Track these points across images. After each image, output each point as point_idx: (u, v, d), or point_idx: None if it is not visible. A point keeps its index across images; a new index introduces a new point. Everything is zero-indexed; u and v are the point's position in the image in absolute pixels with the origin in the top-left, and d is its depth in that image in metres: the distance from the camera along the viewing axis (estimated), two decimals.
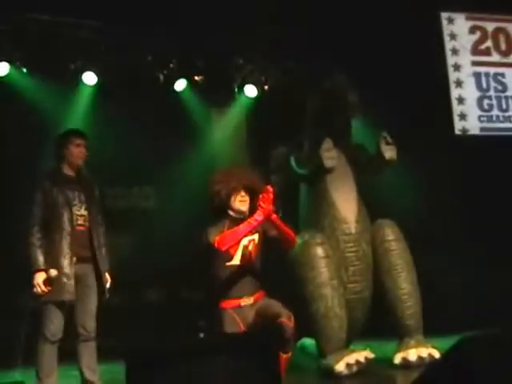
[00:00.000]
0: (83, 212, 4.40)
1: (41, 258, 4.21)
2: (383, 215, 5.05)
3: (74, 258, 4.32)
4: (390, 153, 4.73)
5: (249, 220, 4.29)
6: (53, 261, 4.26)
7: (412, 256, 4.94)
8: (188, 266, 6.66)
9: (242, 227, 4.28)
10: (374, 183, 5.38)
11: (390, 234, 4.89)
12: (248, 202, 4.49)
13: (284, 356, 4.23)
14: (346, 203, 4.84)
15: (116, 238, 6.19)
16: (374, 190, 5.33)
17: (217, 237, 4.28)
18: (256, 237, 4.49)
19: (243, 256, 4.45)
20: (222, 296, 4.43)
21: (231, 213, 4.48)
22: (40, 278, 4.18)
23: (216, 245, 4.27)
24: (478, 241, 6.74)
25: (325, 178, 4.81)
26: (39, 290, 4.17)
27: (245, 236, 4.35)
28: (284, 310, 4.31)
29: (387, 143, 4.74)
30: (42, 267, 4.19)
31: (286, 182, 4.99)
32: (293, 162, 4.89)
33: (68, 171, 4.45)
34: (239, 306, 4.38)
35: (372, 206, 5.02)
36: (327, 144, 4.58)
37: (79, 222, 4.38)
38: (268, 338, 3.02)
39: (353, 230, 4.82)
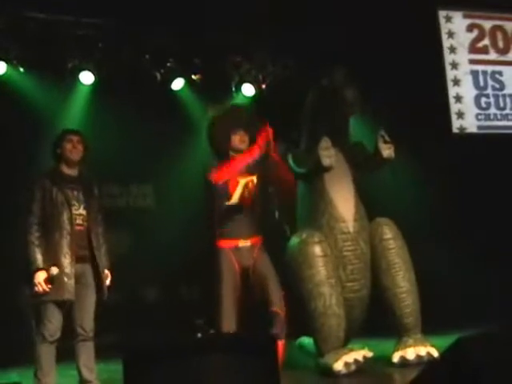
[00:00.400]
0: (82, 211, 4.40)
1: (40, 257, 4.21)
2: (381, 214, 5.05)
3: (74, 258, 4.32)
4: (387, 151, 4.71)
5: (245, 155, 4.57)
6: (53, 260, 4.26)
7: (410, 254, 4.93)
8: (187, 264, 6.70)
9: (238, 161, 4.59)
10: (371, 181, 5.38)
11: (388, 233, 4.88)
12: (247, 141, 4.77)
13: (279, 343, 4.35)
14: (343, 201, 4.83)
15: (114, 236, 6.18)
16: (372, 188, 5.32)
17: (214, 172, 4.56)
18: (255, 178, 4.76)
19: (242, 195, 4.68)
20: (221, 235, 4.66)
21: (232, 153, 4.74)
22: (41, 276, 4.18)
23: (213, 179, 4.54)
24: (477, 238, 6.74)
25: (322, 176, 4.79)
26: (40, 288, 4.17)
27: (240, 169, 4.61)
28: (277, 297, 4.60)
29: (385, 141, 4.72)
30: (42, 266, 4.19)
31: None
32: (290, 160, 4.88)
33: (67, 170, 4.46)
34: (236, 247, 4.62)
35: (370, 205, 5.01)
36: (325, 142, 4.57)
37: (78, 221, 4.38)
38: (266, 335, 3.03)
39: (351, 229, 4.80)
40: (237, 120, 4.82)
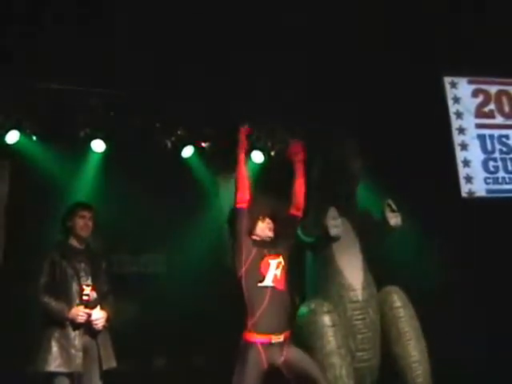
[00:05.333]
0: (89, 283, 4.44)
1: (61, 304, 4.26)
2: (389, 282, 5.04)
3: (82, 330, 4.34)
4: (394, 219, 4.75)
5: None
6: (61, 330, 4.28)
7: (420, 323, 4.90)
8: (199, 332, 6.66)
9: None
10: (379, 249, 5.37)
11: (398, 301, 4.87)
12: (272, 226, 4.52)
13: None
14: (352, 270, 4.84)
15: (126, 304, 6.19)
16: (380, 256, 5.32)
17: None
18: (281, 260, 4.40)
19: (275, 277, 4.28)
20: (253, 327, 4.18)
21: (255, 237, 4.47)
22: (77, 310, 4.22)
23: (237, 204, 4.42)
24: (488, 304, 6.67)
25: (331, 245, 4.82)
26: (85, 316, 4.20)
27: (240, 157, 4.76)
28: (321, 373, 4.27)
29: (392, 210, 4.76)
30: (68, 308, 4.25)
31: (291, 249, 5.01)
32: (299, 230, 4.90)
33: (75, 243, 4.52)
34: (269, 343, 4.15)
35: (378, 273, 5.01)
36: (332, 212, 4.61)
37: (86, 291, 4.42)
38: None
39: (360, 298, 4.80)
40: (264, 206, 4.59)
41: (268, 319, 4.18)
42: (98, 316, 4.36)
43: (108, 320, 4.49)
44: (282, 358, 4.19)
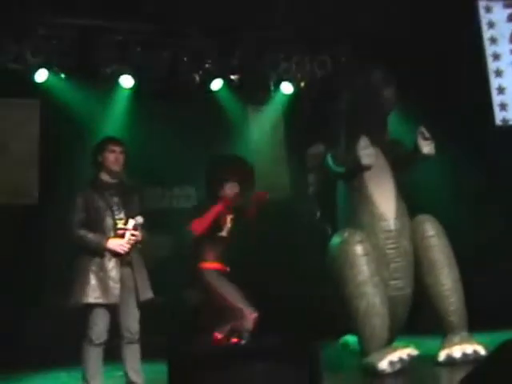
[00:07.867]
0: (122, 216, 4.45)
1: (99, 236, 4.30)
2: (422, 210, 4.99)
3: (119, 262, 4.38)
4: (427, 148, 4.66)
5: (212, 207, 5.11)
6: (98, 263, 4.33)
7: (453, 251, 4.86)
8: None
9: (207, 214, 5.08)
10: (412, 178, 5.31)
11: (431, 230, 4.82)
12: (237, 191, 5.25)
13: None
14: (384, 200, 4.78)
15: (157, 238, 6.24)
16: (413, 185, 5.27)
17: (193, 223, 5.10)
18: (233, 216, 5.33)
19: (228, 230, 5.29)
20: (212, 259, 5.22)
21: (221, 199, 5.18)
22: (117, 241, 4.29)
23: (193, 231, 5.08)
24: None
25: (362, 175, 4.75)
26: (127, 245, 4.30)
27: (213, 219, 5.10)
28: None
29: (425, 138, 4.67)
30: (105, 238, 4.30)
31: (323, 180, 4.98)
32: (330, 161, 4.85)
33: (106, 178, 4.50)
34: (225, 271, 5.25)
35: (411, 202, 4.95)
36: (364, 141, 4.53)
37: (119, 225, 4.43)
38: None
39: (392, 227, 4.76)
40: (230, 172, 5.29)
41: (223, 255, 5.29)
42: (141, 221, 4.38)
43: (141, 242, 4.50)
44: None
